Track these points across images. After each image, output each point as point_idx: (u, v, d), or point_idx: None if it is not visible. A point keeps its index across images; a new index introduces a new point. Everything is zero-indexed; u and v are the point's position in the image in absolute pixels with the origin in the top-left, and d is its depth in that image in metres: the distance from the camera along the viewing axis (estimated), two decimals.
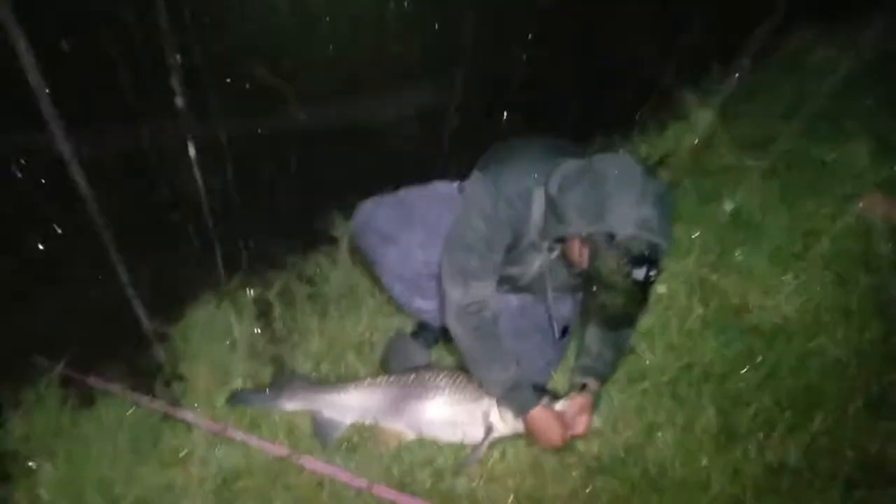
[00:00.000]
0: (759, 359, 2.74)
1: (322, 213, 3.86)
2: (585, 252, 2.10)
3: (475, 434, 2.47)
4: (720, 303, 3.08)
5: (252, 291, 3.52)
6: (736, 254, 3.31)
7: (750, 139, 4.40)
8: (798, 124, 4.30)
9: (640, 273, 1.98)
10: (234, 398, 2.81)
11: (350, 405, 2.65)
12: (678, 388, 2.67)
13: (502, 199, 2.27)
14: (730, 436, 2.48)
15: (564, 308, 2.63)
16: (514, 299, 2.70)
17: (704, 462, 2.41)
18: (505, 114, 4.46)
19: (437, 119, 4.40)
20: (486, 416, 2.42)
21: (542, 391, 2.42)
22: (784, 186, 3.81)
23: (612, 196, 2.02)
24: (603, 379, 2.48)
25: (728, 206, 3.68)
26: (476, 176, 2.41)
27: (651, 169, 2.16)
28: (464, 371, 2.55)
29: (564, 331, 2.62)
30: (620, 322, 2.29)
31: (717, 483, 2.33)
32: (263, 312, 3.46)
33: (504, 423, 2.40)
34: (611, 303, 2.09)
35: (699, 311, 3.00)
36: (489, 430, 2.43)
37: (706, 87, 4.89)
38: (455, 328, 2.38)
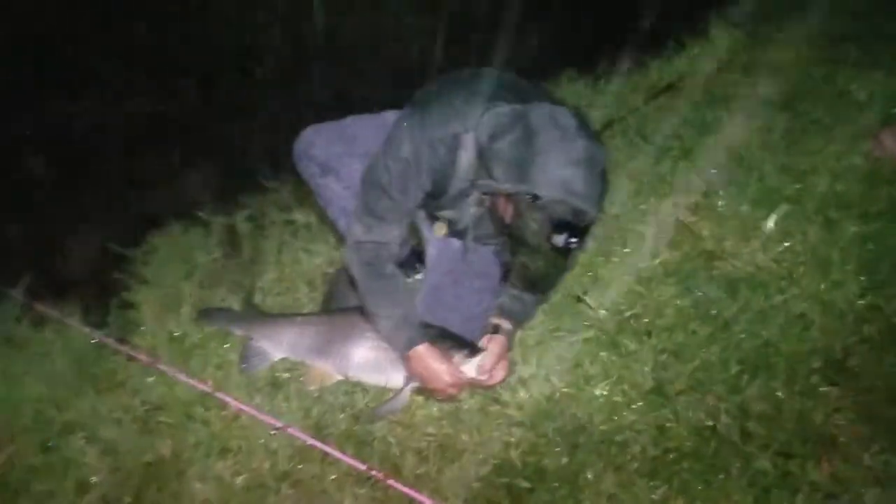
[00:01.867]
0: (714, 311, 2.55)
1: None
2: (510, 210, 1.97)
3: (399, 380, 2.39)
4: (691, 249, 2.87)
5: (222, 217, 3.47)
6: (720, 194, 3.06)
7: (771, 64, 4.05)
8: (823, 48, 3.92)
9: (559, 239, 1.84)
10: (202, 315, 2.84)
11: (280, 339, 2.60)
12: (620, 339, 2.51)
13: (425, 143, 2.11)
14: (661, 393, 2.33)
15: (506, 255, 2.49)
16: (455, 242, 2.56)
17: (629, 419, 2.27)
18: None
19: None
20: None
21: (464, 343, 2.30)
22: (793, 119, 3.49)
23: (541, 154, 1.87)
24: (519, 322, 2.37)
25: (726, 140, 3.41)
26: (404, 113, 2.26)
27: (584, 124, 1.97)
28: None
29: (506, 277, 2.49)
30: (539, 285, 2.17)
31: (638, 443, 2.20)
32: (230, 239, 3.42)
33: None
34: (531, 265, 1.98)
35: (665, 255, 2.80)
36: (409, 379, 2.34)
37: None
38: (350, 258, 2.34)
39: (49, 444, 2.44)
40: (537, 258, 1.95)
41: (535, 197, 1.84)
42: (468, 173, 2.13)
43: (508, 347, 2.33)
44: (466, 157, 2.10)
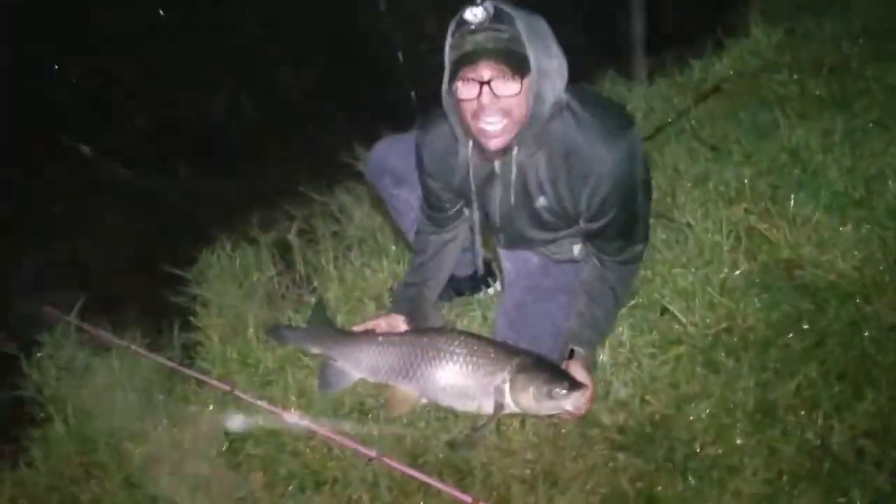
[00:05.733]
0: (807, 325, 2.50)
1: (345, 144, 3.67)
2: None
3: (489, 407, 2.32)
4: (769, 257, 2.81)
5: (271, 231, 3.39)
6: (791, 200, 3.01)
7: (817, 62, 4.00)
8: (874, 45, 3.87)
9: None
10: (272, 333, 2.78)
11: (360, 358, 2.52)
12: (715, 356, 2.46)
13: (427, 156, 2.32)
14: (768, 413, 2.27)
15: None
16: (533, 258, 2.49)
17: (738, 441, 2.22)
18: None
19: None
20: (499, 392, 2.26)
21: (559, 373, 2.24)
22: (850, 120, 3.45)
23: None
24: (592, 346, 2.34)
25: (786, 144, 3.35)
26: (418, 122, 2.36)
27: None
28: (480, 338, 2.38)
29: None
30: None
31: (750, 466, 2.15)
32: (282, 254, 3.34)
33: (515, 403, 2.24)
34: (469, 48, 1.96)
35: (744, 266, 2.75)
36: (499, 407, 2.27)
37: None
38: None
39: (132, 481, 2.36)
40: (467, 32, 1.93)
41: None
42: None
43: (587, 369, 2.29)
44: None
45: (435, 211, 2.45)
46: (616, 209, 2.14)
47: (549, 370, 2.24)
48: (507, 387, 2.24)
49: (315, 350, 2.65)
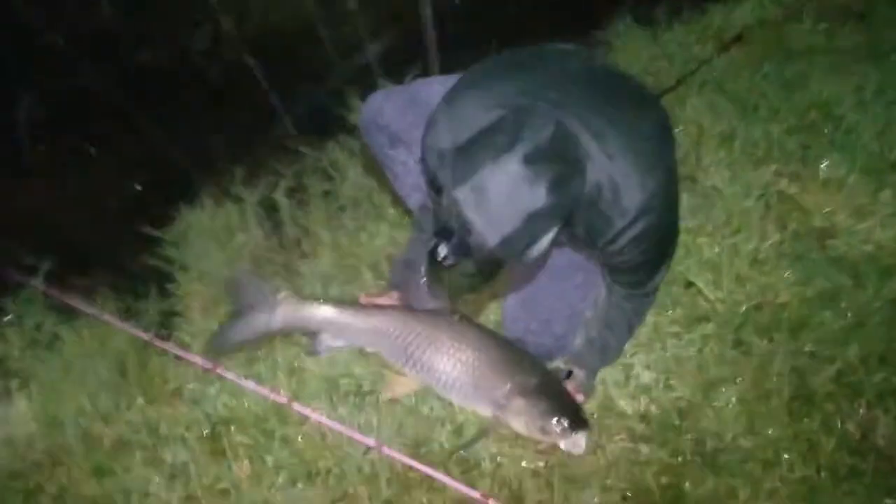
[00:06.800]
0: (845, 303, 2.29)
1: (340, 95, 3.36)
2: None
3: (486, 410, 2.10)
4: (800, 225, 2.59)
5: (256, 188, 3.11)
6: (823, 162, 2.77)
7: (844, 11, 3.71)
8: None
9: (432, 242, 1.54)
10: (217, 341, 2.27)
11: (358, 329, 2.24)
12: (745, 336, 2.25)
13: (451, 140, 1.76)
14: (805, 401, 2.08)
15: None
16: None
17: (772, 433, 2.02)
18: None
19: None
20: (496, 405, 2.03)
21: (564, 404, 2.01)
22: (883, 74, 3.19)
23: (476, 150, 1.52)
24: (594, 373, 2.12)
25: (815, 99, 3.10)
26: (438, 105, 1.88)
27: (557, 163, 1.53)
28: (489, 339, 2.15)
29: None
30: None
31: (787, 461, 1.96)
32: (270, 214, 3.07)
33: (510, 423, 2.02)
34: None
35: (775, 235, 2.52)
36: (497, 419, 2.05)
37: None
38: None
39: (103, 468, 2.13)
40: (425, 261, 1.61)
41: (440, 188, 1.54)
42: None
43: (584, 395, 2.10)
44: None
45: (433, 192, 2.10)
46: (644, 249, 1.81)
47: (549, 399, 1.99)
48: (504, 403, 2.01)
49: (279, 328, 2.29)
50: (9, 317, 2.67)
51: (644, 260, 1.84)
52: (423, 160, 1.93)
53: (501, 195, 1.46)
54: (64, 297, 2.60)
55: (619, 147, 1.61)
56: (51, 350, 2.51)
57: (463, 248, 1.50)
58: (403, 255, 2.35)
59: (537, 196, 1.47)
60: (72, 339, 2.52)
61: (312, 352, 2.30)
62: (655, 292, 2.05)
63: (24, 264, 2.76)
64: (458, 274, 1.56)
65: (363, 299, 2.22)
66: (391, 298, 2.28)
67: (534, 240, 1.51)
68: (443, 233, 1.51)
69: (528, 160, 1.46)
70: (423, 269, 2.00)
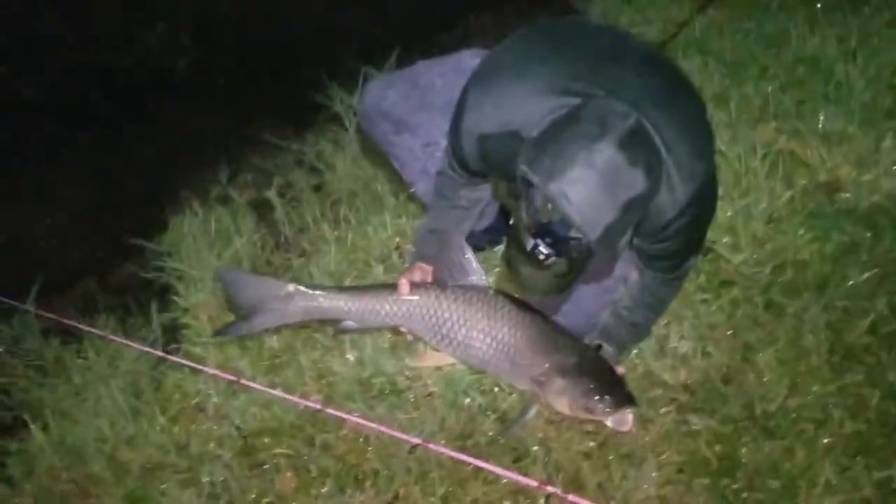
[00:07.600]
0: (866, 257, 2.30)
1: (318, 84, 3.25)
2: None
3: (525, 384, 2.03)
4: (807, 181, 2.60)
5: (245, 188, 3.00)
6: (820, 116, 2.78)
7: None
8: None
9: (530, 242, 1.48)
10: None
11: (387, 313, 2.05)
12: (774, 297, 2.24)
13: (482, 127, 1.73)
14: (845, 356, 2.08)
15: None
16: None
17: (816, 390, 2.02)
18: None
19: None
20: (535, 383, 1.96)
21: (606, 384, 1.91)
22: (862, 22, 3.22)
23: (562, 143, 1.46)
24: (622, 349, 2.05)
25: (801, 53, 3.11)
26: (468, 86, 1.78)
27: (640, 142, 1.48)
28: (526, 314, 2.02)
29: None
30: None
31: (836, 417, 1.96)
32: (263, 215, 2.97)
33: (551, 403, 1.95)
34: (517, 267, 1.58)
35: (786, 194, 2.52)
36: (536, 396, 1.99)
37: None
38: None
39: (136, 495, 2.03)
40: (519, 260, 1.55)
41: (529, 184, 1.47)
42: None
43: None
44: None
45: (462, 172, 1.99)
46: (687, 237, 1.78)
47: (591, 377, 1.90)
48: (543, 381, 1.95)
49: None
50: (2, 347, 2.53)
51: (683, 247, 1.81)
52: (453, 143, 1.86)
53: (600, 184, 1.40)
54: (61, 318, 2.46)
55: (674, 137, 1.55)
56: (57, 376, 2.37)
57: (563, 246, 1.44)
58: (428, 223, 2.19)
59: (636, 181, 1.42)
60: (77, 363, 2.39)
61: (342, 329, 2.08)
62: (687, 275, 2.02)
63: (10, 287, 2.61)
64: (552, 275, 1.50)
65: (403, 280, 2.06)
66: (426, 274, 2.14)
67: (626, 229, 1.47)
68: (542, 232, 1.44)
69: (623, 146, 1.40)
70: (460, 243, 1.93)
